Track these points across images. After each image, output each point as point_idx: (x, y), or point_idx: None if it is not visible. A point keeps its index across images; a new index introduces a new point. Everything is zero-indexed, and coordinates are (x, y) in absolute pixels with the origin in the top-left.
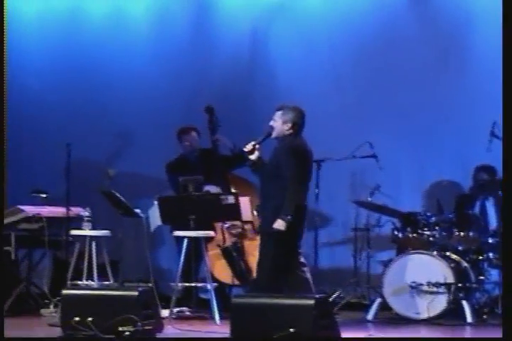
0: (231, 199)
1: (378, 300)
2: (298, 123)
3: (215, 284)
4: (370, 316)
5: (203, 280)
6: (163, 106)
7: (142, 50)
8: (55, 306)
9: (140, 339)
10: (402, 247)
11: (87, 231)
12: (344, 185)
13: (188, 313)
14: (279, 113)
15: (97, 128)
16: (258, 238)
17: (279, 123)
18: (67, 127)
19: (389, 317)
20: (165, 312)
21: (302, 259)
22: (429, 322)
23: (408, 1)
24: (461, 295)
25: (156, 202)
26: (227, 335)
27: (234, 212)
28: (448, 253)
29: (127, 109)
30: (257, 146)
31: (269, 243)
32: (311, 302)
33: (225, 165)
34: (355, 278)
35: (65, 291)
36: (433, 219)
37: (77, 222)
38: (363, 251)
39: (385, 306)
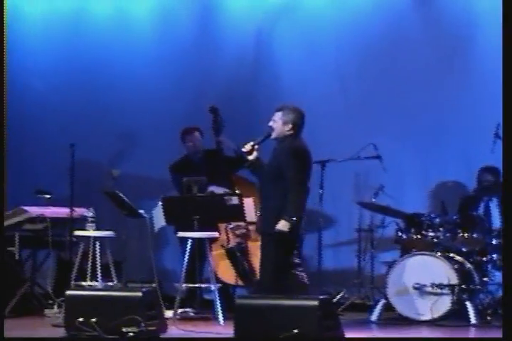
0: (235, 200)
1: (382, 301)
2: (298, 124)
3: (219, 285)
4: (374, 317)
5: (207, 281)
6: (166, 107)
7: (146, 51)
8: (59, 306)
9: (144, 340)
10: (406, 248)
11: (90, 232)
12: (348, 185)
13: (191, 314)
14: (279, 114)
15: (100, 128)
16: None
17: (279, 124)
18: (70, 128)
19: (393, 317)
20: (169, 313)
21: (298, 260)
22: (433, 323)
23: (413, 2)
24: (464, 296)
25: (160, 203)
26: (230, 336)
27: (238, 212)
28: (452, 255)
29: (131, 110)
30: (255, 147)
31: (269, 244)
32: (316, 303)
33: (229, 166)
34: (359, 279)
35: (68, 292)
36: (437, 220)
37: (81, 222)
38: (366, 252)
39: (388, 307)
